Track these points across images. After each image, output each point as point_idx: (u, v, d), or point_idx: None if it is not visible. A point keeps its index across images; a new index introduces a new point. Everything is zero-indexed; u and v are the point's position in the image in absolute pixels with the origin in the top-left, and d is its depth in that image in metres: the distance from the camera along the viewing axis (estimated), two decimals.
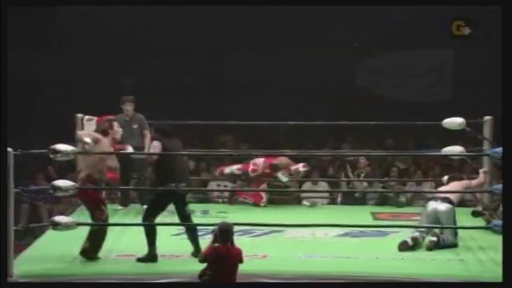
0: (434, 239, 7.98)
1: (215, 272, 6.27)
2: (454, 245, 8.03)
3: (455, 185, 8.45)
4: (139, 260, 7.44)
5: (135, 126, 9.89)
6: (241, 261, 6.33)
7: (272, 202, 10.41)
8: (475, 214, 8.75)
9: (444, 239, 8.00)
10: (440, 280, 6.99)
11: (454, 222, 8.09)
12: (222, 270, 6.26)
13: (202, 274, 6.33)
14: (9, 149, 7.00)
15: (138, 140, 9.78)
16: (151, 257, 7.44)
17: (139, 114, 10.02)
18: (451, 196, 8.17)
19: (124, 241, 7.91)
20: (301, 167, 10.29)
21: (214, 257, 6.27)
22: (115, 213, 9.36)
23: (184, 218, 7.65)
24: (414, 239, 8.03)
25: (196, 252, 7.38)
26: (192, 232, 7.62)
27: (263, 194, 10.26)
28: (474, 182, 8.74)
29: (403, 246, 7.99)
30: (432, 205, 8.17)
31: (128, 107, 9.97)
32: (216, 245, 6.28)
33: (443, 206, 8.10)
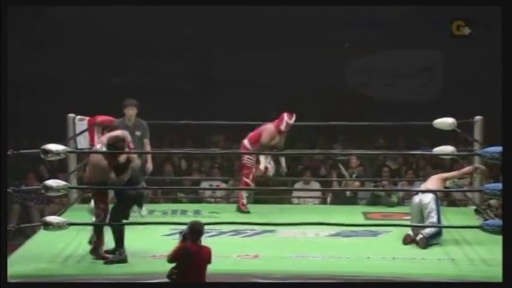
0: (420, 236, 8.02)
1: (184, 271, 6.19)
2: (439, 233, 8.06)
3: (434, 178, 8.51)
4: (108, 262, 7.32)
5: (138, 133, 9.09)
6: (209, 261, 6.27)
7: (265, 201, 10.37)
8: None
9: (427, 231, 8.03)
10: (432, 280, 7.01)
11: (438, 210, 8.14)
12: (191, 269, 6.18)
13: (170, 273, 6.25)
14: None
15: (140, 149, 8.91)
16: (120, 259, 7.33)
17: (142, 120, 9.26)
18: (432, 188, 8.27)
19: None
20: (287, 119, 9.46)
21: (184, 256, 6.20)
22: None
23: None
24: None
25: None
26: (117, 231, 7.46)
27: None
28: (450, 174, 8.86)
29: (407, 240, 8.09)
30: (416, 199, 8.26)
31: (131, 111, 9.14)
32: (185, 243, 6.23)
33: (426, 198, 8.17)
